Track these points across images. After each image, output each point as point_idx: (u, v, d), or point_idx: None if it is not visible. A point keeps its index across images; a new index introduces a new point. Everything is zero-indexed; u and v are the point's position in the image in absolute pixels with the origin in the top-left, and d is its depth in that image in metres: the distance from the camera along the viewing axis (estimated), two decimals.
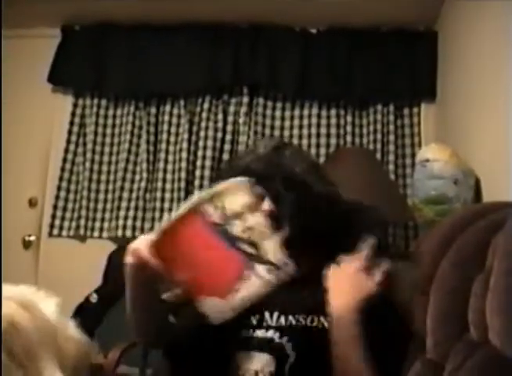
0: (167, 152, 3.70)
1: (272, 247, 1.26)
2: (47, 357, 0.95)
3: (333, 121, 3.62)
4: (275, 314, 1.38)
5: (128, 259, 1.37)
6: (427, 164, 2.61)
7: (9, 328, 0.91)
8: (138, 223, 3.63)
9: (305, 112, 3.67)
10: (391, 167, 3.47)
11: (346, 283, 1.36)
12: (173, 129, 3.73)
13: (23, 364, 0.91)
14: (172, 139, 3.72)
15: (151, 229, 3.60)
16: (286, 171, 1.50)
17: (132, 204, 3.65)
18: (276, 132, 3.67)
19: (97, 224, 3.70)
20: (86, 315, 3.15)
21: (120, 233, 3.61)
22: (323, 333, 1.32)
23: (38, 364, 0.93)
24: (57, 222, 3.73)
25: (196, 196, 1.30)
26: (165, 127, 3.74)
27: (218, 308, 1.23)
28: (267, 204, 1.39)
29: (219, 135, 3.65)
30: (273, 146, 1.57)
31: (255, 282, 1.24)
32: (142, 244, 1.33)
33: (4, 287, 1.03)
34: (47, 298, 1.05)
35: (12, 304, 0.95)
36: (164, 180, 3.66)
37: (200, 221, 1.26)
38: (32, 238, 3.80)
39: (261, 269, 1.24)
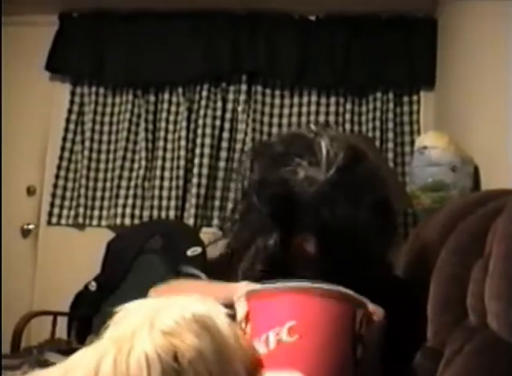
0: (165, 140, 3.70)
1: None
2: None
3: (332, 108, 3.62)
4: None
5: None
6: (424, 151, 2.61)
7: (197, 356, 0.87)
8: (137, 211, 3.64)
9: (304, 100, 3.66)
10: (390, 154, 3.47)
11: None
12: (172, 117, 3.73)
13: None
14: (171, 127, 3.72)
15: (150, 217, 3.61)
16: (347, 222, 1.18)
17: (131, 192, 3.65)
18: (275, 120, 3.67)
19: (96, 212, 3.70)
20: (85, 303, 3.16)
21: (118, 221, 3.61)
22: None
23: None
24: (56, 211, 3.73)
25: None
26: (164, 115, 3.73)
27: None
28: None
29: (218, 123, 3.65)
30: (340, 167, 1.20)
31: None
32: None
33: (180, 301, 0.97)
34: (220, 310, 0.98)
35: (197, 327, 0.90)
36: (163, 168, 3.65)
37: (346, 315, 1.02)
38: (31, 227, 3.80)
39: None
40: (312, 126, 1.28)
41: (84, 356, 0.89)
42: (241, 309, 1.04)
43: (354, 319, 1.00)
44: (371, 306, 1.09)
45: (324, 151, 1.21)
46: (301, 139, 1.25)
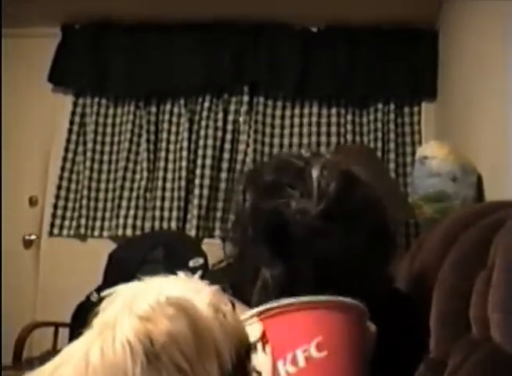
0: (167, 151, 3.70)
1: None
2: (206, 359, 0.93)
3: (334, 119, 3.63)
4: None
5: None
6: (425, 161, 2.61)
7: (169, 341, 0.88)
8: (139, 222, 3.64)
9: (306, 110, 3.67)
10: (392, 165, 3.48)
11: None
12: (173, 128, 3.74)
13: (185, 371, 0.89)
14: (172, 137, 3.73)
15: (151, 228, 3.61)
16: (342, 256, 1.15)
17: (133, 203, 3.66)
18: (277, 131, 3.68)
19: (97, 223, 3.70)
20: (87, 314, 3.15)
21: (120, 232, 3.61)
22: None
23: (199, 368, 0.90)
24: (58, 222, 3.73)
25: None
26: (165, 126, 3.74)
27: None
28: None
29: (219, 133, 3.66)
30: (332, 198, 1.18)
31: None
32: None
33: (158, 283, 0.99)
34: (201, 288, 0.99)
35: (172, 310, 0.90)
36: (165, 179, 3.66)
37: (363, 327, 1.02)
38: (33, 237, 3.80)
39: None
40: (304, 152, 1.27)
41: (73, 349, 0.91)
42: (254, 330, 0.99)
43: (364, 331, 1.01)
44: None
45: (315, 182, 1.19)
46: (292, 168, 1.24)
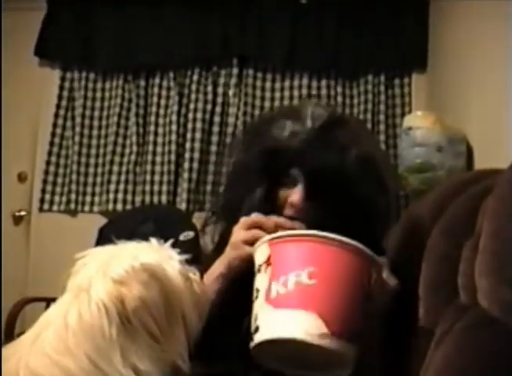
0: (156, 125, 3.68)
1: None
2: (175, 325, 0.97)
3: (324, 91, 3.61)
4: None
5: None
6: (410, 132, 2.61)
7: (141, 306, 0.92)
8: (129, 197, 3.63)
9: (295, 83, 3.66)
10: (382, 137, 3.48)
11: None
12: (162, 102, 3.71)
13: (156, 336, 0.93)
14: (162, 111, 3.70)
15: (142, 202, 3.60)
16: (334, 165, 1.20)
17: (122, 177, 3.64)
18: (267, 104, 3.66)
19: (87, 198, 3.69)
20: None
21: (110, 206, 3.61)
22: None
23: (168, 334, 0.94)
24: (47, 197, 3.72)
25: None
26: (155, 99, 3.71)
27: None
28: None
29: (209, 107, 3.64)
30: (325, 122, 1.25)
31: None
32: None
33: (133, 249, 1.02)
34: (172, 256, 1.04)
35: (145, 276, 0.94)
36: (154, 153, 3.64)
37: (360, 268, 1.05)
38: (22, 213, 3.79)
39: None
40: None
41: (51, 315, 0.95)
42: (263, 253, 1.06)
43: (368, 275, 1.05)
44: (386, 273, 1.13)
45: (309, 112, 1.26)
46: (287, 107, 1.34)
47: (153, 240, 1.07)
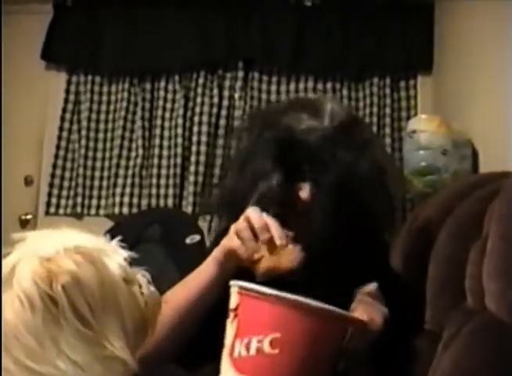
0: (162, 128, 3.68)
1: None
2: (110, 317, 0.89)
3: (329, 94, 3.60)
4: None
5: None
6: (414, 135, 2.61)
7: (72, 282, 0.81)
8: (135, 200, 3.63)
9: (301, 86, 3.65)
10: (388, 140, 3.48)
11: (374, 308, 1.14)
12: (168, 105, 3.71)
13: (88, 322, 0.82)
14: (167, 114, 3.70)
15: (148, 205, 3.60)
16: (348, 166, 1.19)
17: (128, 181, 3.64)
18: None
19: (94, 202, 3.69)
20: None
21: (116, 210, 3.61)
22: None
23: (103, 323, 0.84)
24: (54, 201, 3.72)
25: None
26: (160, 103, 3.71)
27: None
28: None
29: (215, 110, 3.64)
30: (343, 121, 1.24)
31: None
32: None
33: (70, 234, 0.93)
34: (117, 251, 0.93)
35: (78, 257, 0.84)
36: (160, 156, 3.64)
37: (333, 335, 1.01)
38: (29, 217, 3.80)
39: None
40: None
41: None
42: (234, 298, 1.01)
43: (342, 337, 0.99)
44: (366, 316, 1.05)
45: (328, 108, 1.24)
46: (302, 99, 1.31)
47: (103, 238, 0.95)
